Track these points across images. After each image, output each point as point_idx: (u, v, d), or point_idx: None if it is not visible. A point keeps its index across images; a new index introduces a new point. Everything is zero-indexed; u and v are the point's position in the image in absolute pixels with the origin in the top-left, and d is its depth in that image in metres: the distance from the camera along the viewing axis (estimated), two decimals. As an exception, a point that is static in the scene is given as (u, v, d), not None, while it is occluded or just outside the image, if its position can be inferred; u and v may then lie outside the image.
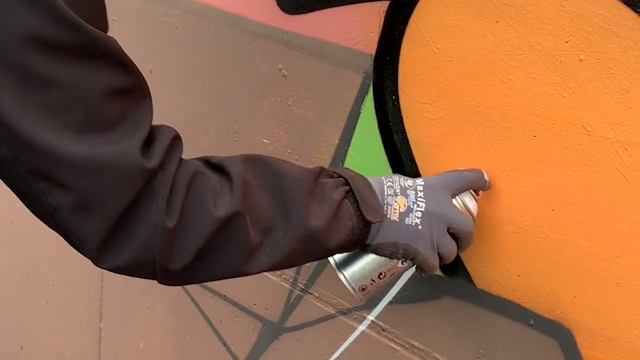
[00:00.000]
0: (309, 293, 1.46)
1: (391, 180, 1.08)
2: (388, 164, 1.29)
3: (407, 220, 1.05)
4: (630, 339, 1.03)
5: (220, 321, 1.67)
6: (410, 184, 1.08)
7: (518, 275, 1.15)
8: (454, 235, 1.08)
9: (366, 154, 1.32)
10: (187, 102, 1.67)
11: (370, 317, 1.36)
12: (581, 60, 1.03)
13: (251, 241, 0.95)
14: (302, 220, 0.98)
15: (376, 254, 1.07)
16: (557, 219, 1.09)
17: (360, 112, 1.32)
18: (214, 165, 0.97)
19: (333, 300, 1.42)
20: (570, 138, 1.06)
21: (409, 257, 1.06)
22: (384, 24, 1.26)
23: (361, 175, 1.07)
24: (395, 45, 1.25)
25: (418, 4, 1.22)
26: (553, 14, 1.05)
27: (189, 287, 1.73)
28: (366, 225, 1.03)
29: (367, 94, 1.30)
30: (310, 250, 1.00)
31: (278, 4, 1.44)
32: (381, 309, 1.34)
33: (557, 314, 1.10)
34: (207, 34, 1.58)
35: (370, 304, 1.36)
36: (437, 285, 1.24)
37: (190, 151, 1.45)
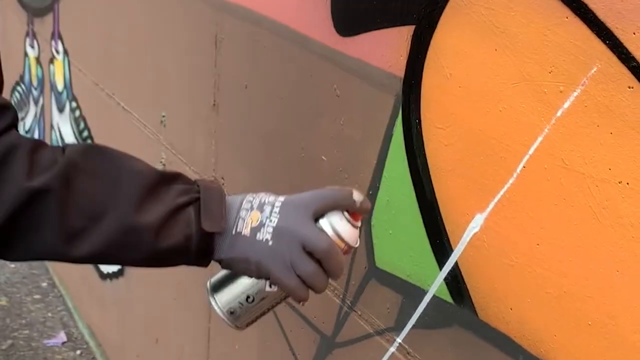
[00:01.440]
0: (354, 310, 1.49)
1: (254, 196, 1.07)
2: (413, 188, 1.30)
3: (259, 236, 1.02)
4: (600, 385, 0.98)
5: (291, 331, 1.74)
6: (270, 200, 1.05)
7: (511, 309, 1.12)
8: (314, 256, 1.02)
9: (396, 177, 1.33)
10: (269, 116, 1.76)
11: (399, 339, 1.37)
12: (561, 92, 1.00)
13: (70, 224, 0.97)
14: (129, 213, 0.99)
15: (230, 269, 1.06)
16: (542, 253, 1.06)
17: (392, 135, 1.34)
18: (59, 150, 1.01)
19: (371, 320, 1.44)
20: (552, 171, 1.03)
21: (263, 275, 1.03)
22: (410, 48, 1.28)
23: (220, 188, 1.07)
24: (418, 70, 1.26)
25: (437, 28, 1.22)
26: (539, 44, 1.03)
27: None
28: (208, 235, 1.03)
29: (397, 116, 1.32)
30: (136, 246, 1.00)
31: (334, 26, 1.49)
32: (407, 331, 1.34)
33: (542, 352, 1.07)
34: (281, 51, 1.66)
35: (398, 326, 1.37)
36: (449, 313, 1.24)
37: (269, 164, 1.54)
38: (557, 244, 1.03)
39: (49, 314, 3.70)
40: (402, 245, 1.34)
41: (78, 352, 3.42)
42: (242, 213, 1.05)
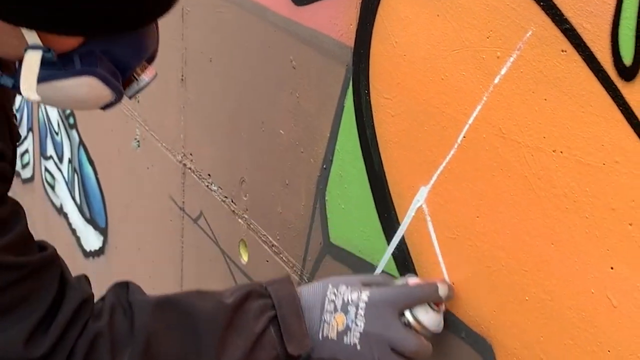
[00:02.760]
0: (311, 286, 1.46)
1: (336, 293, 1.05)
2: (363, 161, 1.26)
3: (346, 340, 1.02)
4: (536, 361, 0.95)
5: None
6: (353, 299, 1.04)
7: (453, 284, 1.09)
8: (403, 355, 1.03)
9: (348, 149, 1.30)
10: (232, 90, 1.72)
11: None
12: (498, 58, 0.97)
13: None
14: (214, 358, 0.99)
15: None
16: (481, 226, 1.02)
17: (344, 107, 1.30)
18: (126, 310, 1.01)
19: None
20: (490, 141, 0.99)
21: None
22: (359, 15, 1.24)
23: (294, 296, 1.05)
24: (366, 39, 1.22)
25: (384, -5, 1.18)
26: (478, 7, 0.99)
27: (233, 270, 1.79)
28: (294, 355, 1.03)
29: (349, 87, 1.28)
30: None
31: (291, -5, 1.45)
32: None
33: (482, 329, 1.04)
34: (242, 23, 1.62)
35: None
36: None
37: (233, 140, 1.50)
38: (495, 217, 1.00)
39: (36, 293, 3.69)
40: (353, 220, 1.30)
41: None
42: (326, 316, 1.04)
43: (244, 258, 1.73)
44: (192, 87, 1.93)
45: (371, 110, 1.23)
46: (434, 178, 1.10)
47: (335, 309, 1.04)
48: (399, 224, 1.18)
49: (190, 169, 1.99)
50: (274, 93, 1.52)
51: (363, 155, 1.26)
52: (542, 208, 0.92)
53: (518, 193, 0.95)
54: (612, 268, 0.83)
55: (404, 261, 1.18)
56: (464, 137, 1.03)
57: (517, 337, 0.97)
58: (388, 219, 1.21)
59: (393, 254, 1.20)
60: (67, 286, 0.99)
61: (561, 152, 0.88)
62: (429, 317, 1.04)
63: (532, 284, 0.94)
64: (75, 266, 3.16)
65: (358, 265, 1.29)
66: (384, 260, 1.22)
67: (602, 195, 0.83)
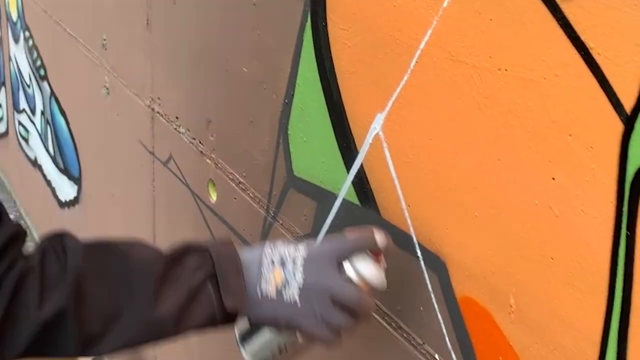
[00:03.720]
0: (277, 220, 1.49)
1: (272, 248, 1.03)
2: (322, 92, 1.28)
3: (285, 296, 1.00)
4: (486, 275, 0.99)
5: (223, 244, 1.74)
6: (291, 252, 1.02)
7: (409, 206, 1.12)
8: (344, 307, 1.00)
9: (308, 82, 1.32)
10: (195, 32, 1.73)
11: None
12: (446, -20, 0.98)
13: (88, 330, 0.96)
14: (148, 308, 0.97)
15: (258, 323, 1.05)
16: (434, 148, 1.05)
17: (303, 40, 1.32)
18: (59, 253, 0.98)
19: (292, 228, 1.45)
20: (441, 64, 1.01)
21: (295, 329, 1.01)
22: (314, -55, 1.25)
23: (234, 252, 1.03)
24: (323, -32, 1.24)
25: None
26: None
27: (202, 209, 1.81)
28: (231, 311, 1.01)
29: (307, 20, 1.30)
30: (159, 335, 1.00)
31: None
32: (322, 237, 1.35)
33: (436, 247, 1.07)
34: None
35: (315, 232, 1.37)
36: (357, 215, 1.24)
37: (198, 82, 1.51)
38: (446, 138, 1.03)
39: None
40: (315, 152, 1.33)
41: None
42: (264, 270, 1.01)
43: (213, 197, 1.76)
44: (157, 31, 1.94)
45: (329, 42, 1.25)
46: (389, 105, 1.13)
47: (272, 263, 1.02)
48: (357, 153, 1.21)
49: (158, 112, 2.01)
50: (236, 32, 1.53)
51: (322, 87, 1.28)
52: (489, 126, 0.95)
53: (467, 113, 0.98)
54: (553, 179, 0.86)
55: (363, 188, 1.21)
56: (416, 62, 1.06)
57: (468, 253, 1.01)
58: (347, 148, 1.23)
59: (353, 182, 1.23)
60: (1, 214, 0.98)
61: (505, 69, 0.91)
62: (369, 269, 1.02)
63: (481, 201, 0.98)
64: (52, 217, 3.18)
65: (320, 196, 1.32)
66: (344, 188, 1.25)
67: (543, 109, 0.86)
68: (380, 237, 1.03)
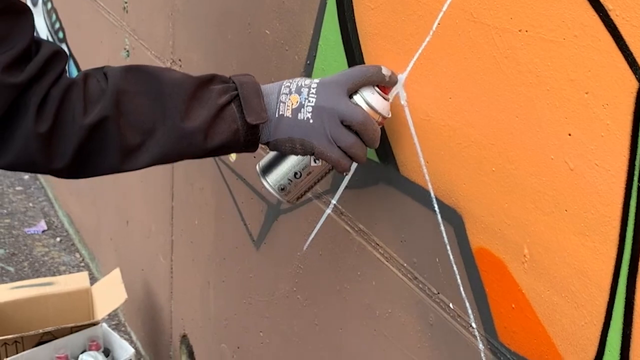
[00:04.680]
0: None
1: (291, 81, 1.14)
2: (344, 54, 1.33)
3: (300, 116, 1.11)
4: (501, 226, 1.04)
5: (242, 202, 1.80)
6: (306, 83, 1.13)
7: (427, 162, 1.17)
8: (352, 129, 1.11)
9: (330, 44, 1.36)
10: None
11: (333, 201, 1.43)
12: (469, -56, 1.02)
13: (128, 142, 1.07)
14: (178, 122, 1.08)
15: (277, 150, 1.15)
16: (454, 106, 1.10)
17: (326, 3, 1.36)
18: (99, 76, 1.09)
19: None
20: (462, 26, 1.06)
21: (308, 151, 1.12)
22: None
23: (254, 82, 1.14)
24: None
25: None
26: None
27: (222, 169, 1.87)
28: (253, 127, 1.12)
29: (331, -17, 1.34)
30: (188, 148, 1.11)
31: None
32: (340, 193, 1.40)
33: (453, 201, 1.12)
34: None
35: (333, 189, 1.42)
36: (375, 171, 1.29)
37: (220, 43, 1.56)
38: (466, 96, 1.07)
39: (30, 204, 3.78)
40: (336, 111, 1.37)
41: (58, 239, 3.51)
42: (282, 97, 1.13)
43: (232, 156, 1.81)
44: (180, -7, 1.98)
45: (352, 5, 1.29)
46: (410, 65, 1.17)
47: (290, 92, 1.13)
48: (378, 111, 1.25)
49: (179, 74, 2.05)
50: (260, -7, 1.57)
51: (344, 48, 1.33)
52: (509, 85, 0.99)
53: (487, 73, 1.02)
54: (569, 135, 0.91)
55: (382, 145, 1.25)
56: (439, 24, 1.10)
57: (485, 206, 1.06)
58: (368, 108, 1.28)
59: (373, 140, 1.27)
60: (40, 39, 1.09)
61: (526, 31, 0.95)
62: (375, 98, 1.13)
63: (499, 156, 1.02)
64: (69, 182, 3.24)
65: (340, 153, 1.37)
66: (364, 146, 1.29)
67: (562, 68, 0.91)
68: (386, 70, 1.14)
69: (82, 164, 1.08)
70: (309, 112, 1.11)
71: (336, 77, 1.14)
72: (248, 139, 1.13)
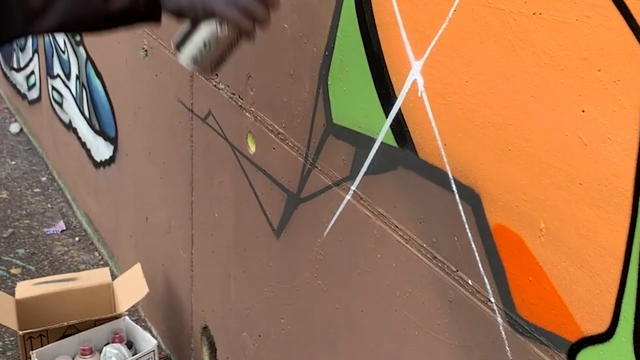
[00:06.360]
0: (315, 166, 1.59)
1: None
2: (362, 44, 1.37)
3: None
4: (518, 203, 1.08)
5: (262, 193, 1.84)
6: None
7: (445, 145, 1.21)
8: None
9: (348, 34, 1.41)
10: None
11: (353, 187, 1.47)
12: None
13: (30, 6, 1.15)
14: None
15: (181, 16, 1.23)
16: (470, 89, 1.14)
17: (344, -5, 1.40)
18: None
19: (330, 172, 1.54)
20: (478, 11, 1.10)
21: (209, 13, 1.20)
22: None
23: None
24: None
25: None
26: None
27: (241, 161, 1.91)
28: None
29: (349, -24, 1.38)
30: (91, 14, 1.18)
31: None
32: (360, 179, 1.44)
33: (471, 181, 1.17)
34: None
35: (352, 175, 1.47)
36: (393, 156, 1.33)
37: None
38: (482, 79, 1.11)
39: (49, 205, 3.84)
40: (354, 100, 1.42)
41: (77, 238, 3.56)
42: None
43: (252, 149, 1.85)
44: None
45: (370, -5, 1.34)
46: (427, 52, 1.22)
47: None
48: (396, 98, 1.30)
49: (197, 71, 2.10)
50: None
51: (362, 38, 1.37)
52: (523, 66, 1.03)
53: (503, 55, 1.07)
54: (583, 111, 0.95)
55: (400, 130, 1.30)
56: (455, 10, 1.14)
57: (501, 184, 1.10)
58: (386, 95, 1.32)
59: (391, 126, 1.32)
60: None
61: (540, 13, 1.00)
62: None
63: (515, 135, 1.07)
64: (87, 177, 3.29)
65: (359, 140, 1.42)
66: (383, 131, 1.34)
67: (575, 48, 0.95)
68: None
69: None
70: None
71: None
72: (149, 6, 1.20)
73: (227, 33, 1.24)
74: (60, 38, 3.49)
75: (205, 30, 1.24)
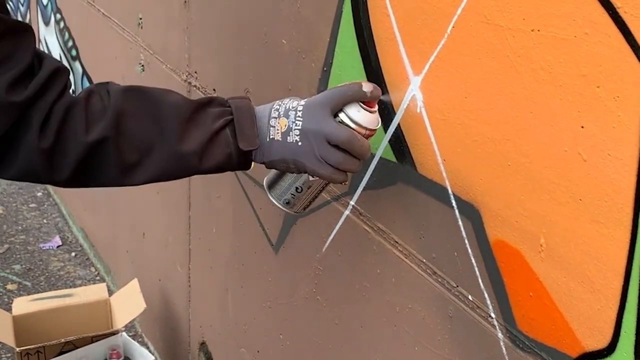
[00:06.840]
0: (314, 181, 1.59)
1: (280, 103, 1.21)
2: (361, 59, 1.38)
3: (289, 139, 1.18)
4: (518, 218, 1.08)
5: (260, 209, 1.85)
6: (293, 105, 1.19)
7: (444, 160, 1.21)
8: (339, 147, 1.16)
9: (347, 50, 1.41)
10: (234, 7, 1.82)
11: (352, 202, 1.47)
12: (482, -50, 1.07)
13: (126, 160, 1.14)
14: (174, 144, 1.15)
15: (273, 168, 1.23)
16: (469, 104, 1.14)
17: (342, 12, 1.41)
18: (102, 94, 1.16)
19: (328, 187, 1.54)
20: (476, 28, 1.11)
21: (301, 170, 1.19)
22: None
23: (249, 106, 1.21)
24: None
25: None
26: None
27: (239, 176, 1.91)
28: (245, 151, 1.19)
29: (347, -8, 1.39)
30: (184, 169, 1.18)
31: None
32: (359, 194, 1.45)
33: (470, 196, 1.17)
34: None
35: (351, 190, 1.47)
36: (392, 172, 1.33)
37: (236, 54, 1.61)
38: (481, 95, 1.12)
39: (44, 221, 3.83)
40: (353, 115, 1.42)
41: (73, 254, 3.56)
42: (272, 122, 1.20)
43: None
44: (195, 7, 2.04)
45: (368, 12, 1.34)
46: (426, 67, 1.22)
47: (279, 115, 1.19)
48: (395, 113, 1.30)
49: (195, 86, 2.11)
50: (276, 5, 1.63)
51: (361, 54, 1.38)
52: (522, 82, 1.04)
53: (501, 71, 1.07)
54: (582, 127, 0.96)
55: (399, 146, 1.30)
56: (453, 27, 1.15)
57: (501, 200, 1.11)
58: (385, 110, 1.33)
59: (390, 141, 1.33)
60: (43, 55, 1.15)
61: (539, 30, 1.00)
62: (359, 114, 1.18)
63: (514, 151, 1.07)
64: (83, 193, 3.29)
65: (358, 156, 1.42)
66: (382, 147, 1.35)
67: (574, 64, 0.96)
68: (367, 86, 1.18)
69: (81, 177, 1.15)
70: (297, 135, 1.17)
71: (319, 98, 1.19)
72: (240, 162, 1.21)
73: (318, 181, 1.24)
74: (56, 52, 3.49)
75: (296, 177, 1.24)
